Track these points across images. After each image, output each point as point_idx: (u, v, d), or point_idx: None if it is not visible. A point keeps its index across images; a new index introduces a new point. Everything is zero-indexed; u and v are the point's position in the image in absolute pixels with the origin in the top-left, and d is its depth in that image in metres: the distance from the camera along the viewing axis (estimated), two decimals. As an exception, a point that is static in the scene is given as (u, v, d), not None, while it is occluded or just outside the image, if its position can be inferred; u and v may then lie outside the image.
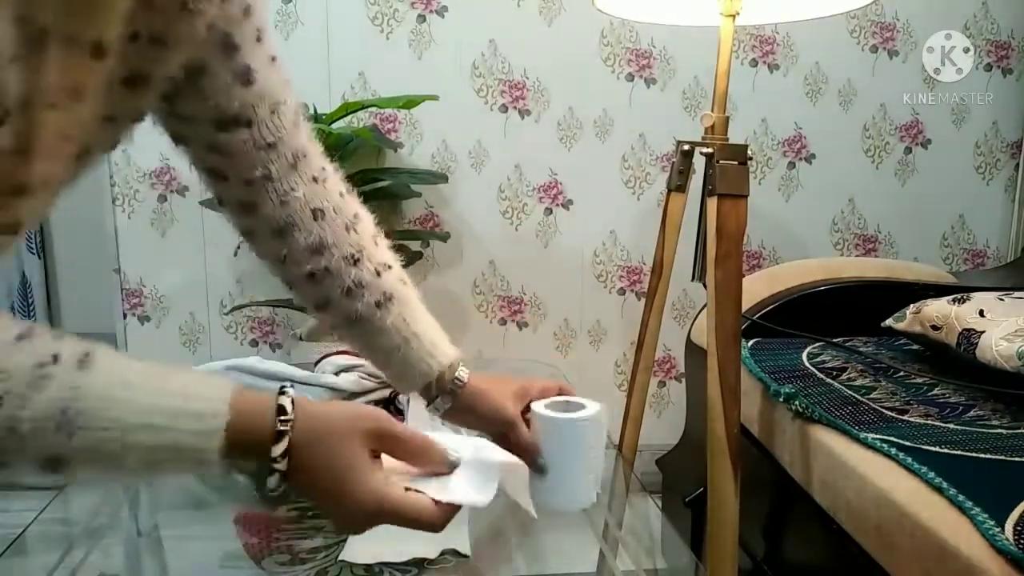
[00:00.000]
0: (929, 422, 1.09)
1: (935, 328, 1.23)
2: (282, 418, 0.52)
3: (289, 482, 0.53)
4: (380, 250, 0.74)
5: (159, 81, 0.56)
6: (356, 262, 0.71)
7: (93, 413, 0.47)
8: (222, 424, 0.50)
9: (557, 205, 1.93)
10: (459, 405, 0.73)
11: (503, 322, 1.97)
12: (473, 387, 0.73)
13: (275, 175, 0.66)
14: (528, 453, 0.70)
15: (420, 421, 1.04)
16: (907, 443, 1.02)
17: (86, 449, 0.47)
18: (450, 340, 0.77)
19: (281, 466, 0.52)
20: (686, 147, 1.20)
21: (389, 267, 0.74)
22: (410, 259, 1.85)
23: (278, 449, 0.51)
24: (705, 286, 1.10)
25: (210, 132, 0.62)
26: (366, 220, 0.73)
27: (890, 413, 1.12)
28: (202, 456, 0.49)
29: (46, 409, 0.45)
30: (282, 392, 0.53)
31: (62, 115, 0.47)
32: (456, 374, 0.73)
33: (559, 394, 0.74)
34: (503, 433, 0.70)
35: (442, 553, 0.78)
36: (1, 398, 0.44)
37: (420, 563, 0.77)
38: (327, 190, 0.70)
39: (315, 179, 0.69)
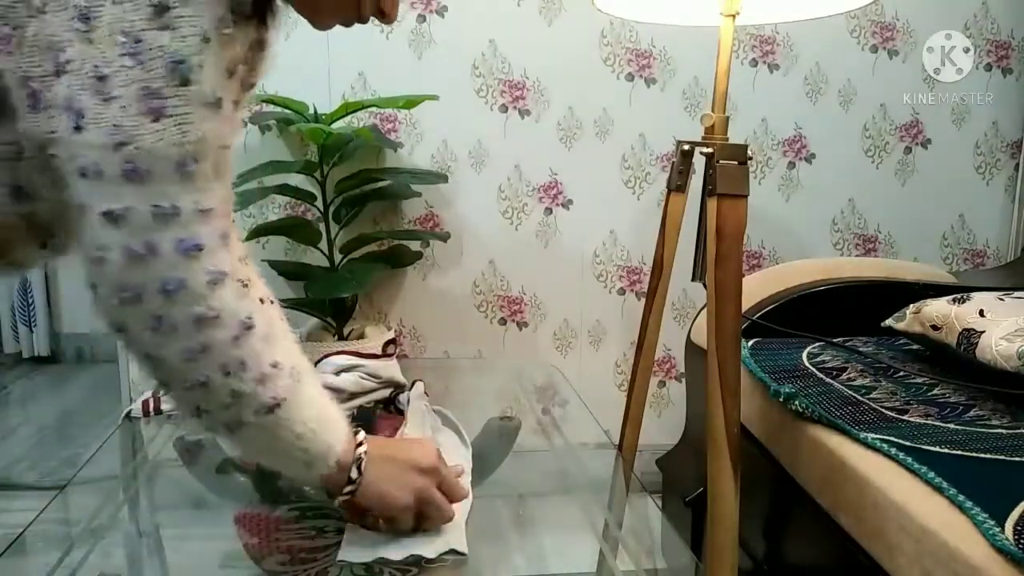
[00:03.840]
0: (929, 422, 1.09)
1: (935, 328, 1.23)
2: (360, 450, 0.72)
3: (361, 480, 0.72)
4: (262, 283, 0.79)
5: None
6: (244, 286, 0.74)
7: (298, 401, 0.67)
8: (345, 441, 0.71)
9: (557, 205, 1.93)
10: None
11: (503, 322, 1.97)
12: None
13: None
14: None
15: (419, 420, 1.04)
16: (907, 443, 1.02)
17: (278, 419, 0.65)
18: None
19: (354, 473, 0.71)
20: (686, 147, 1.20)
21: (272, 301, 0.79)
22: (410, 259, 1.85)
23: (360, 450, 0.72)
24: (705, 286, 1.10)
25: None
26: (250, 260, 0.77)
27: (890, 413, 1.12)
28: (326, 460, 0.69)
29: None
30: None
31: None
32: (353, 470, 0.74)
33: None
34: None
35: (441, 553, 0.78)
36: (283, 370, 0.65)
37: (419, 562, 0.76)
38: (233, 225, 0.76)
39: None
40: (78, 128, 0.55)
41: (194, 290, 0.58)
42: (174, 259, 0.57)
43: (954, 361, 1.23)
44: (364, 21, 0.72)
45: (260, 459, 0.75)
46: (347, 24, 0.73)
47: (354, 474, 0.71)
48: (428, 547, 0.77)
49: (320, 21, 0.73)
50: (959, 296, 1.25)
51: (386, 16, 0.72)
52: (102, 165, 0.55)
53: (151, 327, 0.59)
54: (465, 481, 0.91)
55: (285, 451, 0.68)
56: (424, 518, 0.77)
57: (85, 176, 0.56)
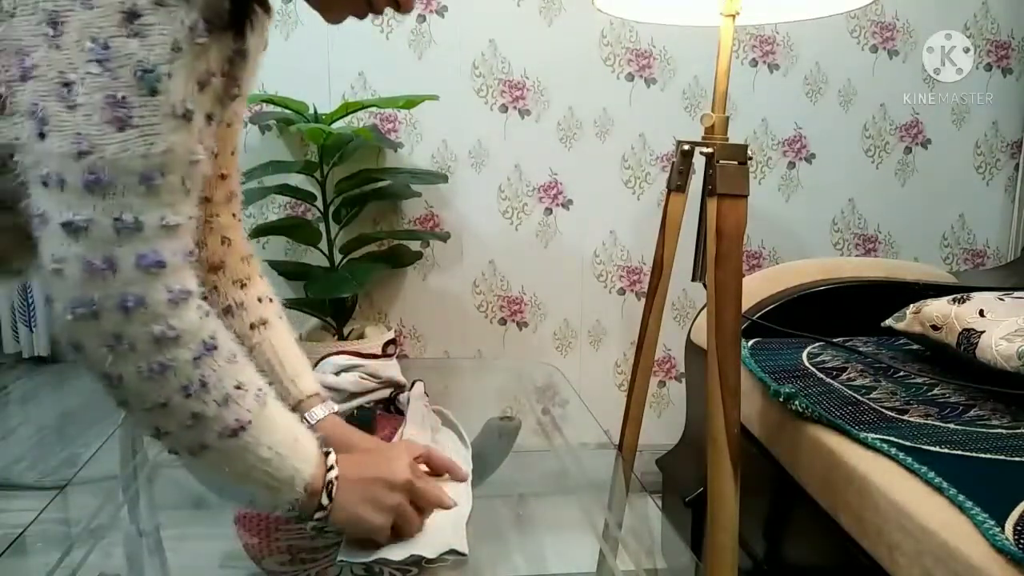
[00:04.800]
0: (929, 422, 1.09)
1: (935, 328, 1.23)
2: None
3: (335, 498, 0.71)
4: (264, 282, 0.87)
5: None
6: (243, 286, 0.85)
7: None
8: (314, 465, 0.69)
9: (557, 205, 1.93)
10: None
11: (503, 322, 1.97)
12: (327, 430, 0.82)
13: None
14: None
15: (419, 420, 1.04)
16: (907, 443, 1.02)
17: (248, 437, 0.63)
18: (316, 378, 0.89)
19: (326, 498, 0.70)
20: (686, 147, 1.20)
21: (270, 299, 0.87)
22: (410, 259, 1.85)
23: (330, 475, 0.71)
24: (705, 286, 1.10)
25: None
26: (255, 258, 0.88)
27: (890, 413, 1.12)
28: (293, 486, 0.68)
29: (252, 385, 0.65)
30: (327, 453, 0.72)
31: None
32: (311, 410, 0.84)
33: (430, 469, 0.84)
34: None
35: (441, 553, 0.78)
36: (245, 391, 0.63)
37: (419, 562, 0.76)
38: (238, 225, 0.86)
39: (234, 216, 0.85)
40: (41, 135, 0.53)
41: (153, 308, 0.57)
42: (134, 275, 0.56)
43: (954, 361, 1.23)
44: (378, 12, 0.71)
45: (225, 484, 0.74)
46: (360, 16, 0.72)
47: (324, 500, 0.70)
48: (428, 547, 0.77)
49: (332, 14, 0.72)
50: (959, 296, 1.25)
51: (402, 6, 0.70)
52: (64, 174, 0.54)
53: (108, 344, 0.57)
54: (466, 486, 0.91)
55: (250, 476, 0.66)
56: (397, 530, 0.77)
57: (47, 185, 0.54)
